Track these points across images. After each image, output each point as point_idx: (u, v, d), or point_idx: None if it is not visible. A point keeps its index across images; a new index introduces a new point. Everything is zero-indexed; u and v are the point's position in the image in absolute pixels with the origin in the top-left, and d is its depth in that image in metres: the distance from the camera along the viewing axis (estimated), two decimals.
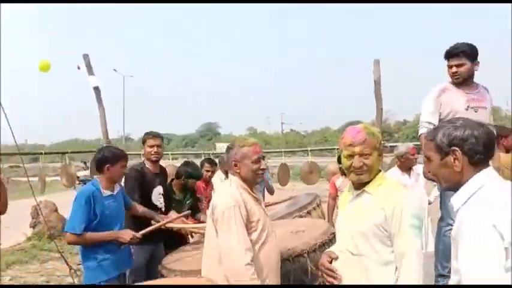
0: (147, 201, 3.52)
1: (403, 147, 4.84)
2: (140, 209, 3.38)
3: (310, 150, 7.02)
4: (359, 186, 1.95)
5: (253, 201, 2.26)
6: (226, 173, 5.81)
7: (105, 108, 6.44)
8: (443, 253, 3.26)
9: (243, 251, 2.06)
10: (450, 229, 3.24)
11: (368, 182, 1.92)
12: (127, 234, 2.98)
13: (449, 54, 3.28)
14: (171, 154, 7.82)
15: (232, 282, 2.06)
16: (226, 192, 2.27)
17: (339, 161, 4.87)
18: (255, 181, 2.33)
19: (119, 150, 3.21)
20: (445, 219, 3.30)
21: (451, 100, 3.27)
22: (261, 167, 2.29)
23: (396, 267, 1.82)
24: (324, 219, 4.87)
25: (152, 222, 3.35)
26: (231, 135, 62.27)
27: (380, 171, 1.97)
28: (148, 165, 3.64)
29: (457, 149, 1.48)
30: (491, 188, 1.44)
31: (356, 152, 1.89)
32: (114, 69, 40.23)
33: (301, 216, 4.25)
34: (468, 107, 3.24)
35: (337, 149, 7.00)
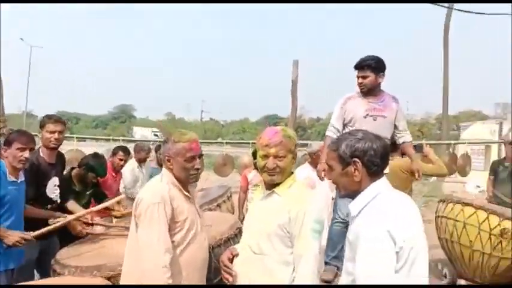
0: (42, 194, 3.18)
1: (315, 145, 5.06)
2: (34, 211, 3.03)
3: (227, 142, 7.03)
4: (270, 186, 1.99)
5: (183, 200, 2.17)
6: (160, 165, 5.59)
7: (3, 79, 5.65)
8: (328, 242, 3.64)
9: (161, 251, 1.98)
10: (336, 222, 3.62)
11: (279, 183, 1.97)
12: (13, 237, 2.64)
13: (356, 67, 3.58)
14: (76, 138, 7.25)
15: (145, 282, 1.98)
16: (153, 187, 2.17)
17: (254, 155, 4.98)
18: (188, 180, 2.19)
19: (17, 132, 2.91)
20: (333, 214, 3.71)
21: (353, 108, 3.59)
22: (195, 167, 2.15)
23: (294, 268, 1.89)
24: (234, 212, 4.94)
25: (49, 221, 3.02)
26: (147, 119, 60.02)
27: (292, 173, 2.02)
28: (44, 153, 3.23)
29: (358, 160, 1.61)
30: (385, 197, 1.60)
31: (271, 153, 1.92)
32: (21, 38, 38.52)
33: (210, 210, 4.25)
34: (367, 115, 3.54)
35: (253, 143, 7.13)
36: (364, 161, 1.60)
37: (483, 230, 4.14)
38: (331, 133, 3.72)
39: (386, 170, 3.96)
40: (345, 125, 3.67)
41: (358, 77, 3.57)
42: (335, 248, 3.64)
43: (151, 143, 7.71)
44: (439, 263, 5.05)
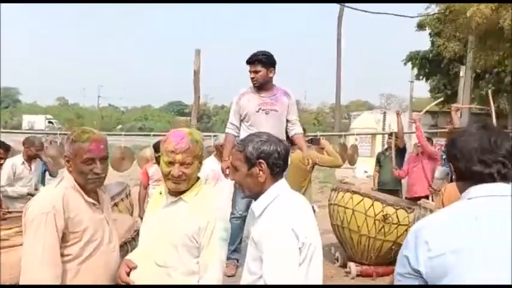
0: None
1: (222, 138, 5.01)
2: None
3: (125, 134, 6.60)
4: (176, 193, 1.86)
5: (85, 207, 1.88)
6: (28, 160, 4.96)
7: None
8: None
9: (44, 266, 1.72)
10: (233, 218, 3.71)
11: (185, 190, 1.85)
12: None
13: (248, 62, 3.66)
14: None
15: None
16: (46, 193, 1.91)
17: (155, 148, 4.75)
18: (87, 185, 1.89)
19: None
20: (231, 210, 3.81)
21: (246, 103, 3.69)
22: (94, 171, 1.84)
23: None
24: (132, 211, 4.69)
25: None
26: (35, 105, 54.02)
27: (198, 178, 1.92)
28: None
29: (263, 161, 1.66)
30: (286, 197, 1.69)
31: (177, 160, 1.78)
32: None
33: None
34: (260, 109, 3.65)
35: (155, 134, 6.83)
36: (269, 162, 1.67)
37: (369, 216, 4.57)
38: (231, 130, 3.78)
39: (290, 160, 4.13)
40: (242, 121, 3.75)
41: (250, 72, 3.65)
42: (234, 242, 3.77)
43: (44, 137, 6.81)
44: (332, 247, 5.44)
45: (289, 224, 1.56)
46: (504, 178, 1.23)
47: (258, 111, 3.64)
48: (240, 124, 3.76)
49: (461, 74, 6.52)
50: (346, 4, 14.90)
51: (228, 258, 3.57)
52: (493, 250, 1.13)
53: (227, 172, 3.51)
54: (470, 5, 9.54)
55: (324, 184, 12.17)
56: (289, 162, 4.04)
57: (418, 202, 4.26)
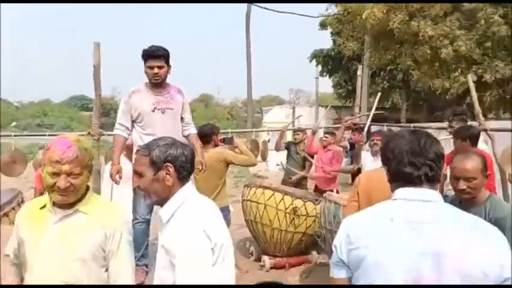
0: None
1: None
2: None
3: (15, 135, 5.91)
4: (65, 205, 1.70)
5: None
6: None
7: None
8: (134, 244, 3.50)
9: None
10: (137, 223, 3.53)
11: (76, 201, 1.72)
12: None
13: (151, 56, 3.35)
14: None
15: None
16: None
17: None
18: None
19: None
20: (132, 216, 3.60)
21: (140, 102, 3.41)
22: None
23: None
24: None
25: None
26: None
27: (88, 187, 1.79)
28: None
29: (170, 164, 1.62)
30: (194, 200, 1.68)
31: (63, 171, 1.63)
32: None
33: None
34: (155, 108, 3.42)
35: (51, 135, 6.23)
36: (176, 166, 1.64)
37: (280, 210, 4.72)
38: (121, 131, 3.46)
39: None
40: (133, 121, 3.46)
41: (152, 67, 3.35)
42: (140, 248, 3.60)
43: None
44: (247, 241, 5.53)
45: (200, 226, 1.55)
46: (431, 180, 1.32)
47: (153, 111, 3.41)
48: (132, 125, 3.47)
49: (358, 73, 7.03)
50: (254, 4, 15.24)
51: (136, 265, 3.40)
52: (398, 251, 1.23)
53: (117, 177, 3.34)
54: (365, 7, 10.35)
55: (238, 179, 12.31)
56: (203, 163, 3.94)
57: (324, 195, 4.50)
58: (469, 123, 4.45)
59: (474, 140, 3.73)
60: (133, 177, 1.71)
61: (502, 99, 11.46)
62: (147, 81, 3.48)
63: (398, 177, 1.34)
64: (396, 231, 1.25)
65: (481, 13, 10.19)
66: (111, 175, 3.42)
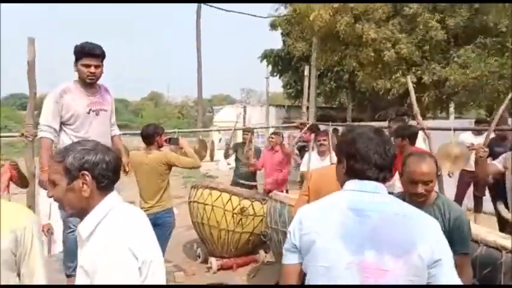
0: None
1: None
2: None
3: None
4: None
5: None
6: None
7: None
8: (66, 254, 3.26)
9: None
10: (70, 232, 3.18)
11: None
12: None
13: (88, 54, 3.13)
14: None
15: None
16: None
17: None
18: None
19: None
20: (63, 225, 3.27)
21: (73, 103, 3.14)
22: None
23: None
24: None
25: None
26: None
27: None
28: None
29: (87, 173, 1.42)
30: (119, 211, 1.47)
31: None
32: None
33: None
34: (90, 110, 3.20)
35: None
36: (94, 174, 1.43)
37: (227, 210, 4.67)
38: (48, 134, 3.12)
39: (147, 162, 3.80)
40: (63, 123, 3.17)
41: (88, 66, 3.11)
42: (73, 259, 3.32)
43: None
44: (194, 243, 5.43)
45: (125, 244, 1.37)
46: (384, 179, 1.44)
47: (89, 113, 3.17)
48: (60, 127, 3.18)
49: (305, 73, 7.13)
50: (202, 2, 15.02)
51: (69, 276, 3.20)
52: (343, 237, 1.33)
53: (45, 188, 3.04)
54: (312, 9, 10.58)
55: (187, 179, 12.09)
56: (146, 163, 3.77)
57: (270, 194, 4.51)
58: (410, 122, 4.68)
59: (413, 139, 3.91)
60: (48, 186, 1.50)
61: (438, 99, 12.20)
62: (76, 79, 3.21)
63: (357, 174, 1.43)
64: (343, 218, 1.36)
65: (420, 18, 10.78)
66: (41, 182, 3.15)
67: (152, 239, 1.53)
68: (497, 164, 3.73)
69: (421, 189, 2.10)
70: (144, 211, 3.90)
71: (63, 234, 3.26)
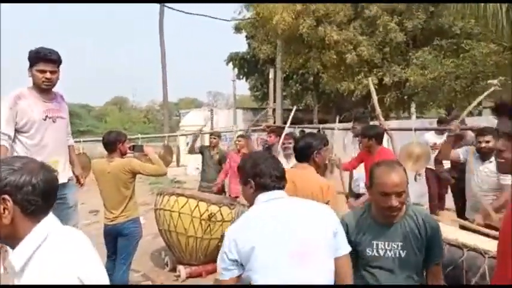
0: None
1: None
2: None
3: None
4: None
5: None
6: None
7: None
8: None
9: None
10: None
11: None
12: None
13: (44, 59, 3.01)
14: None
15: None
16: None
17: None
18: None
19: None
20: None
21: (28, 109, 3.01)
22: None
23: None
24: None
25: None
26: None
27: None
28: None
29: (7, 197, 1.23)
30: (58, 236, 1.30)
31: None
32: None
33: None
34: (46, 117, 3.08)
35: None
36: (17, 198, 1.24)
37: (195, 217, 4.57)
38: (5, 142, 2.95)
39: (109, 170, 3.63)
40: (17, 131, 3.01)
41: (43, 71, 3.00)
42: None
43: None
44: (162, 251, 5.30)
45: (72, 272, 1.23)
46: (282, 188, 1.87)
47: (45, 119, 3.05)
48: (14, 135, 3.01)
49: (270, 76, 7.16)
50: (165, 4, 14.82)
51: None
52: (274, 237, 1.69)
53: None
54: (275, 12, 10.67)
55: (154, 185, 11.81)
56: (108, 171, 3.61)
57: (237, 199, 4.48)
58: (372, 123, 4.81)
59: (379, 139, 4.04)
60: None
61: (400, 100, 12.60)
62: (30, 86, 3.07)
63: (263, 187, 1.82)
64: (268, 224, 1.71)
65: (380, 20, 11.10)
66: None
67: (98, 263, 1.38)
68: (460, 154, 3.89)
69: (395, 201, 1.91)
70: (109, 222, 3.77)
71: None
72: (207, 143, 6.92)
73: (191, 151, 6.36)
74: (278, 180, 1.84)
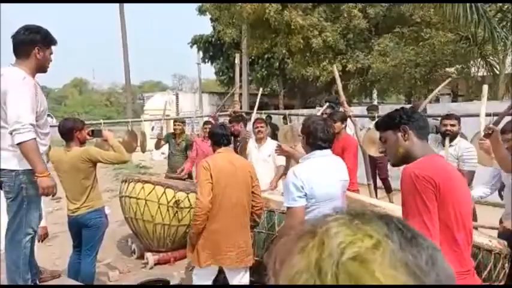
0: None
1: None
2: None
3: None
4: None
5: None
6: None
7: None
8: (24, 263, 2.82)
9: None
10: (28, 238, 2.81)
11: None
12: None
13: (55, 42, 2.84)
14: None
15: None
16: None
17: None
18: None
19: None
20: (24, 230, 2.81)
21: (41, 97, 2.80)
22: None
23: None
24: None
25: None
26: None
27: None
28: None
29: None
30: None
31: None
32: None
33: None
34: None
35: None
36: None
37: (162, 204, 4.56)
38: (34, 134, 2.59)
39: (67, 160, 3.51)
40: None
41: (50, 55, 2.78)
42: (32, 267, 2.99)
43: None
44: (128, 238, 5.26)
45: None
46: (330, 147, 2.55)
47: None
48: None
49: (236, 61, 7.12)
50: None
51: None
52: (327, 180, 2.43)
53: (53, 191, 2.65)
54: None
55: (119, 171, 11.56)
56: (66, 161, 3.51)
57: None
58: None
59: (345, 122, 4.60)
60: None
61: (362, 86, 12.91)
62: (21, 66, 2.69)
63: (315, 146, 2.48)
64: (324, 171, 2.44)
65: (344, 6, 11.24)
66: (47, 188, 2.62)
67: None
68: None
69: None
70: (71, 213, 3.61)
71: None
72: (171, 127, 6.82)
73: (157, 147, 6.27)
74: (328, 142, 2.51)
